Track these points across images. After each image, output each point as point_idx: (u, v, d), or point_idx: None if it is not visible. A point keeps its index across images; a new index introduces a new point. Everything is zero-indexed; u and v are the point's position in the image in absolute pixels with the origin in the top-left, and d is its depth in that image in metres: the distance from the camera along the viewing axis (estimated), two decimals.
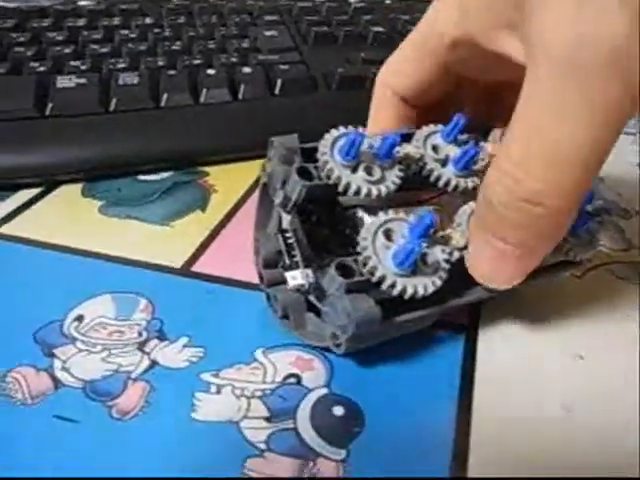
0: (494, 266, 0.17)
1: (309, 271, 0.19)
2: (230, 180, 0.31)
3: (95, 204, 0.29)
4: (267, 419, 0.18)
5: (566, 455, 0.17)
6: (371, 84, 0.35)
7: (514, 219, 0.16)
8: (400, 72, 0.21)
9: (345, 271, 0.17)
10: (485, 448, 0.17)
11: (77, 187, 0.30)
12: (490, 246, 0.17)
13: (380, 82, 0.22)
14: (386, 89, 0.22)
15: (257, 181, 0.31)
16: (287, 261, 0.20)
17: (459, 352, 0.20)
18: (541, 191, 0.15)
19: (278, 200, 0.19)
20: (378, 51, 0.39)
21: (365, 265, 0.17)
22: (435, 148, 0.20)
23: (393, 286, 0.17)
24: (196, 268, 0.24)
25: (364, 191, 0.18)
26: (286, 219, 0.20)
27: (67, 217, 0.27)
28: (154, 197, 0.29)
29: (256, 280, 0.22)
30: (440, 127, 0.20)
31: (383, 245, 0.17)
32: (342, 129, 0.19)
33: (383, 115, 0.22)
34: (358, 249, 0.17)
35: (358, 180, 0.18)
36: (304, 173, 0.18)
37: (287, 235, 0.20)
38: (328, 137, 0.18)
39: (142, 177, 0.31)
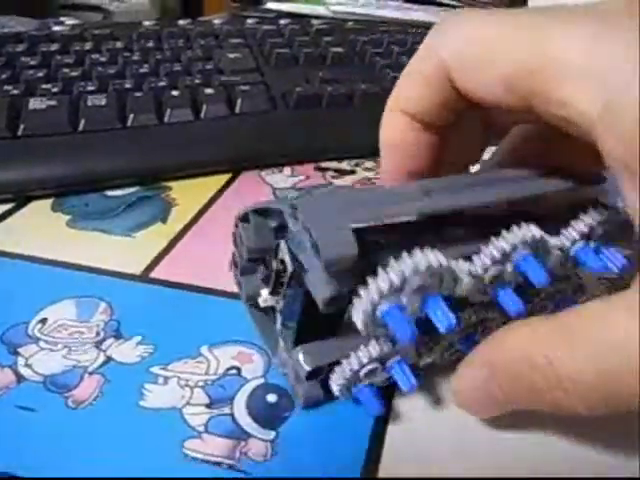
0: (479, 401, 0.18)
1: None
2: (191, 194, 0.33)
3: (63, 218, 0.31)
4: (207, 405, 0.20)
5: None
6: (327, 103, 0.38)
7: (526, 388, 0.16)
8: (411, 96, 0.20)
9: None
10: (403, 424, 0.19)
11: (47, 202, 0.32)
12: (485, 388, 0.17)
13: (390, 108, 0.21)
14: (398, 114, 0.20)
15: (216, 195, 0.33)
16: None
17: None
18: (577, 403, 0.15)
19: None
20: (336, 71, 0.42)
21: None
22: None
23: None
24: (154, 275, 0.27)
25: None
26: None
27: (37, 230, 0.30)
28: (119, 210, 0.31)
29: (207, 284, 0.25)
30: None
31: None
32: None
33: (399, 145, 0.20)
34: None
35: None
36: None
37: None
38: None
39: (109, 193, 0.33)
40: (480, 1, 0.56)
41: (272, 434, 0.19)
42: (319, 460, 0.18)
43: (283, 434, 0.19)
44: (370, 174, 0.36)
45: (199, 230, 0.30)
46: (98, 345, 0.22)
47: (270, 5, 0.59)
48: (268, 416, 0.20)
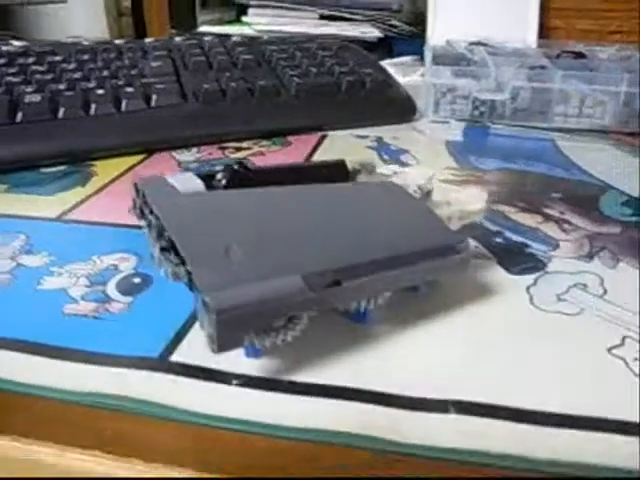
0: None
1: None
2: (110, 168, 0.40)
3: (2, 187, 0.38)
4: (87, 286, 0.27)
5: None
6: (231, 97, 0.46)
7: None
8: None
9: None
10: None
11: None
12: None
13: None
14: None
15: (131, 167, 0.41)
16: None
17: None
18: None
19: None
20: (244, 72, 0.50)
21: None
22: None
23: None
24: (66, 217, 0.34)
25: None
26: None
27: None
28: (48, 181, 0.39)
29: (107, 221, 0.32)
30: None
31: None
32: None
33: None
34: None
35: None
36: None
37: None
38: None
39: (43, 170, 0.40)
40: (383, 15, 0.65)
41: (129, 299, 0.26)
42: (156, 315, 0.25)
43: (137, 299, 0.26)
44: (263, 149, 0.44)
45: (110, 190, 0.37)
46: (13, 258, 0.29)
47: (203, 29, 0.67)
48: (130, 289, 0.27)
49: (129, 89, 0.45)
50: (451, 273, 0.25)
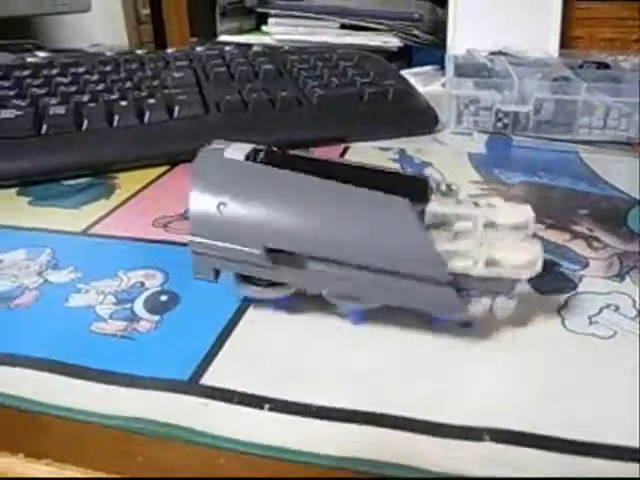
0: None
1: None
2: (133, 180, 0.41)
3: (26, 200, 0.38)
4: (114, 304, 0.27)
5: None
6: (252, 107, 0.46)
7: None
8: None
9: None
10: None
11: (13, 190, 0.39)
12: None
13: None
14: None
15: (155, 180, 0.41)
16: None
17: None
18: None
19: None
20: (266, 84, 0.50)
21: None
22: None
23: None
24: (91, 231, 0.34)
25: None
26: None
27: (2, 208, 0.37)
28: (71, 193, 0.39)
29: (132, 235, 0.32)
30: None
31: None
32: None
33: None
34: None
35: None
36: None
37: None
38: None
39: (65, 182, 0.41)
40: (404, 25, 0.64)
41: (157, 317, 0.26)
42: (185, 336, 0.25)
43: (165, 318, 0.26)
44: None
45: (134, 203, 0.37)
46: (40, 273, 0.29)
47: (222, 38, 0.67)
48: (158, 307, 0.27)
49: (151, 100, 0.45)
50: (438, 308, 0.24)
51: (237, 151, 0.25)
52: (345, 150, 0.46)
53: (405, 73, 0.63)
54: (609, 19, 0.66)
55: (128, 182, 0.40)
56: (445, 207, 0.23)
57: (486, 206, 0.24)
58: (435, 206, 0.23)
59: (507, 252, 0.23)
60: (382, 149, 0.46)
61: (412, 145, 0.46)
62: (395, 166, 0.42)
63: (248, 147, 0.26)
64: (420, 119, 0.50)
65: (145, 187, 0.39)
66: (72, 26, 1.01)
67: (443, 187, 0.25)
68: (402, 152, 0.45)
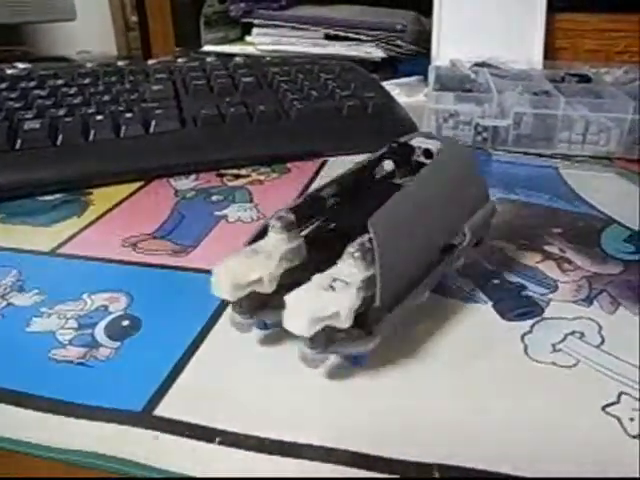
0: None
1: None
2: (107, 198, 0.40)
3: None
4: (75, 329, 0.27)
5: None
6: (230, 121, 0.45)
7: None
8: None
9: None
10: None
11: None
12: None
13: None
14: None
15: (127, 197, 0.40)
16: None
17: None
18: None
19: None
20: (245, 96, 0.50)
21: None
22: None
23: None
24: (60, 251, 0.33)
25: None
26: None
27: None
28: (44, 210, 0.39)
29: (99, 255, 0.32)
30: None
31: None
32: None
33: None
34: None
35: None
36: None
37: None
38: None
39: (39, 198, 0.40)
40: (387, 36, 0.64)
41: (117, 344, 0.26)
42: (143, 363, 0.25)
43: (126, 344, 0.26)
44: (262, 177, 0.43)
45: (106, 221, 0.37)
46: (3, 296, 0.29)
47: (206, 48, 0.67)
48: (118, 333, 0.26)
49: (128, 115, 0.45)
50: None
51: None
52: (323, 164, 0.45)
53: (389, 84, 0.63)
54: (592, 31, 0.66)
55: (102, 199, 0.40)
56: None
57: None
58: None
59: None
60: None
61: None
62: None
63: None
64: (400, 133, 0.49)
65: (118, 204, 0.39)
66: (62, 32, 1.00)
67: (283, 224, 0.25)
68: None
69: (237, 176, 0.43)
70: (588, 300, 0.29)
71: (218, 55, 0.65)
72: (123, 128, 0.43)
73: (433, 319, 0.27)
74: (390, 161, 0.31)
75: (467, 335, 0.26)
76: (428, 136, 0.30)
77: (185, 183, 0.42)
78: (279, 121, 0.47)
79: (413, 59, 0.68)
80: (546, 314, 0.27)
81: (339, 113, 0.48)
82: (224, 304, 0.27)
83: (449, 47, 0.65)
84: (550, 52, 0.66)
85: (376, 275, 0.22)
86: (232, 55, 0.65)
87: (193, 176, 0.43)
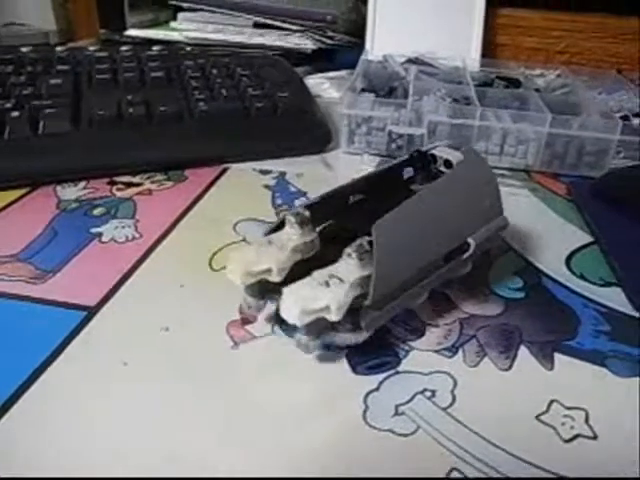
0: None
1: None
2: None
3: None
4: None
5: None
6: (127, 123, 0.43)
7: None
8: None
9: None
10: None
11: None
12: None
13: None
14: None
15: (5, 206, 0.38)
16: None
17: None
18: None
19: None
20: (150, 92, 0.47)
21: None
22: None
23: None
24: None
25: None
26: None
27: None
28: None
29: None
30: None
31: None
32: None
33: None
34: None
35: None
36: None
37: None
38: None
39: None
40: (317, 26, 0.61)
41: None
42: None
43: None
44: (153, 186, 0.41)
45: None
46: None
47: (131, 32, 0.63)
48: None
49: (15, 113, 0.42)
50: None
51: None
52: (223, 172, 0.43)
53: (319, 77, 0.60)
54: (534, 28, 0.63)
55: None
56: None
57: None
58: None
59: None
60: (262, 172, 0.43)
61: (295, 168, 0.44)
62: (267, 194, 0.40)
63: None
64: (310, 138, 0.47)
65: None
66: None
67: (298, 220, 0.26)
68: (281, 176, 0.43)
69: (129, 184, 0.41)
70: (453, 349, 0.27)
71: (141, 41, 0.62)
72: (8, 128, 0.41)
73: (290, 364, 0.25)
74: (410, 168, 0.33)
75: (314, 388, 0.24)
76: (450, 146, 0.32)
77: (72, 192, 0.40)
78: (181, 123, 0.44)
79: (352, 50, 0.65)
80: (401, 367, 0.26)
81: (247, 115, 0.45)
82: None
83: (384, 39, 0.62)
84: (490, 48, 0.63)
85: (372, 275, 0.23)
86: (156, 42, 0.62)
87: (83, 183, 0.41)
